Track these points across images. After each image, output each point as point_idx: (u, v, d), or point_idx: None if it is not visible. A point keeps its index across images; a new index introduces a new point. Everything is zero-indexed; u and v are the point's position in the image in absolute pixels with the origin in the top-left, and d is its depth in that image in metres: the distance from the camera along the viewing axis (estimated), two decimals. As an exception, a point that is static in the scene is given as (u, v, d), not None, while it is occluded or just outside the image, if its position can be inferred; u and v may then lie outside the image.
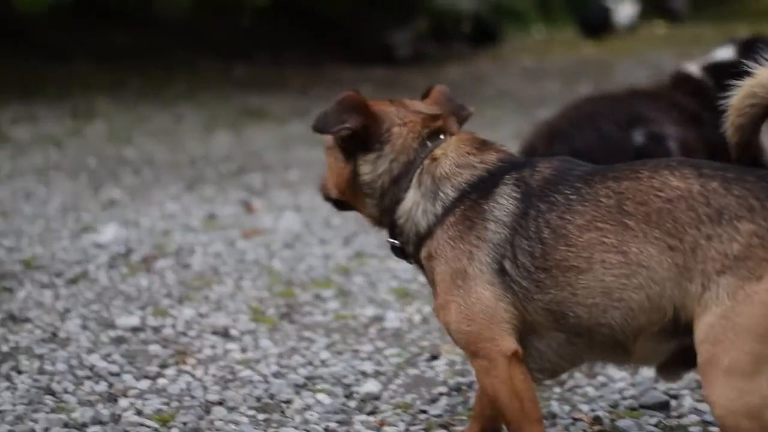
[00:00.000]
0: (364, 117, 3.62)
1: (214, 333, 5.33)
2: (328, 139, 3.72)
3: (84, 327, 5.40)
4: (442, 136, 3.67)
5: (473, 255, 3.40)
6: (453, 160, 3.58)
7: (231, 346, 5.16)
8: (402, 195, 3.61)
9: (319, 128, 3.64)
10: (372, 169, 3.65)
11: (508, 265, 3.35)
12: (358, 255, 6.78)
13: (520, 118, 12.64)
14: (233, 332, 5.35)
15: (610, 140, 6.27)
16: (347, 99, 3.63)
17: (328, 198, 3.90)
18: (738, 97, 3.23)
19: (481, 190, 3.48)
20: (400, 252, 3.71)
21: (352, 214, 7.46)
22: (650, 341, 3.28)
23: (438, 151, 3.61)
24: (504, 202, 3.41)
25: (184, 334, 5.33)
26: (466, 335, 3.43)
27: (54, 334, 5.29)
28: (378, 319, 5.53)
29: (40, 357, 4.97)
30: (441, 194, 3.54)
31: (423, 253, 3.57)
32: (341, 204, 3.88)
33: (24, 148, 10.71)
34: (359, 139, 3.63)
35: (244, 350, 5.10)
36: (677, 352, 3.30)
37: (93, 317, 5.56)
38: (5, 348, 5.07)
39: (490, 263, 3.37)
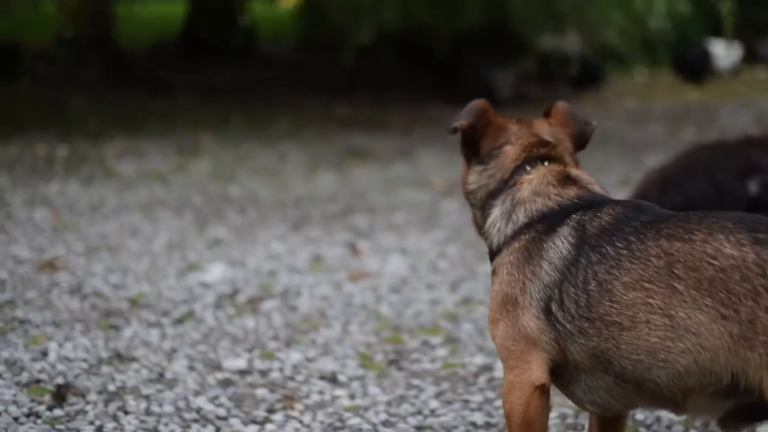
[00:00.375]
0: (479, 123, 3.80)
1: (322, 378, 5.28)
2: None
3: (191, 368, 5.38)
4: (546, 163, 3.74)
5: (525, 287, 3.47)
6: (533, 187, 3.65)
7: (339, 392, 5.10)
8: (491, 210, 3.71)
9: (452, 124, 3.82)
10: (477, 179, 3.81)
11: (554, 307, 3.40)
12: (465, 301, 6.69)
13: (626, 163, 12.50)
14: (341, 378, 5.29)
15: (724, 190, 6.15)
16: (474, 103, 3.84)
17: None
18: None
19: (547, 223, 3.54)
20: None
21: (458, 259, 7.41)
22: (705, 400, 3.26)
23: (526, 176, 3.69)
24: (560, 245, 3.46)
25: (292, 378, 5.28)
26: (508, 352, 3.51)
27: (161, 375, 5.27)
28: (487, 368, 5.43)
29: (147, 398, 4.95)
30: (514, 217, 3.63)
31: (492, 266, 3.67)
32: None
33: (130, 183, 10.79)
34: (474, 147, 3.82)
35: (352, 397, 5.04)
36: (738, 409, 3.25)
37: (200, 358, 5.54)
38: (112, 387, 5.06)
39: (539, 300, 3.43)
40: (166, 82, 18.59)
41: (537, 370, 3.44)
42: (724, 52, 21.55)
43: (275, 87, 19.22)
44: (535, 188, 3.64)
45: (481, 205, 3.81)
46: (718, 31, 16.43)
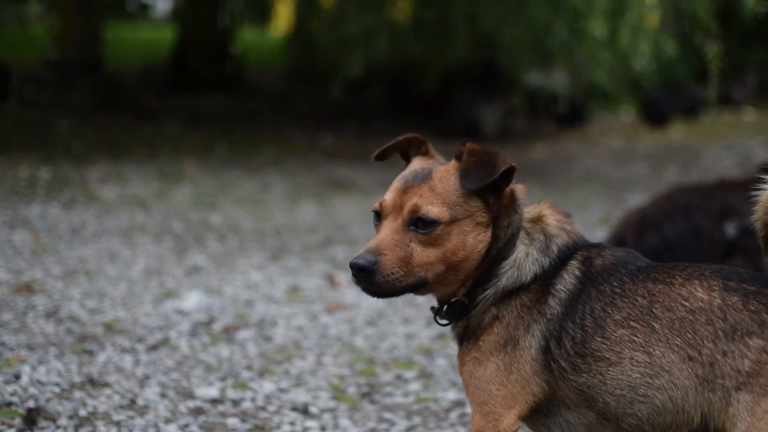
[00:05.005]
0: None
1: (294, 409, 5.27)
2: (459, 210, 3.50)
3: (163, 395, 5.37)
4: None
5: (530, 328, 3.47)
6: (557, 222, 3.65)
7: (310, 423, 5.10)
8: (510, 251, 3.56)
9: (479, 181, 3.46)
10: (507, 224, 3.58)
11: (552, 344, 3.44)
12: (441, 336, 6.69)
13: (608, 202, 12.53)
14: (313, 409, 5.28)
15: (702, 232, 6.19)
16: (479, 149, 3.53)
17: (406, 286, 3.50)
18: (766, 197, 3.35)
19: (562, 259, 3.55)
20: (455, 311, 3.59)
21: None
22: None
23: (539, 213, 3.65)
24: (567, 279, 3.51)
25: (264, 408, 5.27)
26: (488, 395, 3.47)
27: (132, 401, 5.26)
28: (460, 404, 5.43)
29: (118, 424, 4.94)
30: (549, 251, 3.58)
31: (491, 312, 3.52)
32: (422, 286, 3.55)
33: (111, 207, 10.78)
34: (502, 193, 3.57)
35: (323, 429, 5.03)
36: None
37: (172, 386, 5.53)
38: (83, 412, 5.05)
39: (540, 339, 3.45)
40: (152, 108, 18.61)
41: (510, 418, 3.45)
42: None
43: (261, 116, 19.27)
44: (555, 223, 3.66)
45: (496, 252, 3.57)
46: (703, 74, 16.49)
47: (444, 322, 3.65)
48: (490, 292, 3.54)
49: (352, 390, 5.62)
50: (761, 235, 3.38)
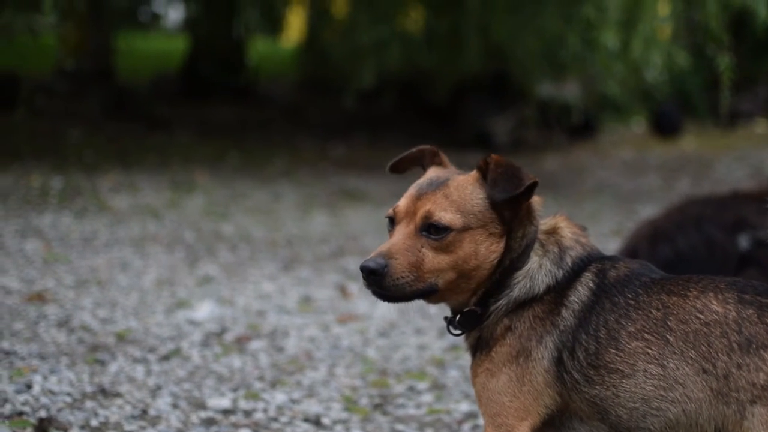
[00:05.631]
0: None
1: (306, 420, 5.26)
2: (474, 218, 3.50)
3: (174, 406, 5.36)
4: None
5: (543, 339, 3.46)
6: (572, 234, 3.64)
7: (322, 435, 5.08)
8: (524, 262, 3.55)
9: (506, 192, 3.46)
10: (521, 236, 3.57)
11: (565, 355, 3.43)
12: (453, 348, 6.67)
13: (620, 213, 12.51)
14: (325, 421, 5.27)
15: (715, 244, 6.16)
16: (504, 161, 3.51)
17: (415, 291, 3.52)
18: None
19: (576, 270, 3.54)
20: (468, 321, 3.58)
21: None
22: None
23: (554, 225, 3.65)
24: (581, 290, 3.50)
25: (276, 419, 5.26)
26: (501, 407, 3.47)
27: (144, 411, 5.25)
28: (472, 415, 5.41)
29: (130, 435, 4.93)
30: (563, 263, 3.56)
31: (504, 323, 3.52)
32: (432, 293, 3.56)
33: (123, 217, 10.79)
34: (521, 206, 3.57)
35: (335, 440, 5.02)
36: None
37: (184, 396, 5.52)
38: (95, 422, 5.04)
39: (552, 350, 3.44)
40: (164, 117, 18.62)
41: (523, 430, 3.44)
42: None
43: (273, 126, 19.27)
44: (571, 235, 3.66)
45: (510, 261, 3.55)
46: (715, 85, 16.46)
47: (457, 332, 3.66)
48: (502, 302, 3.53)
49: (364, 401, 5.61)
50: None
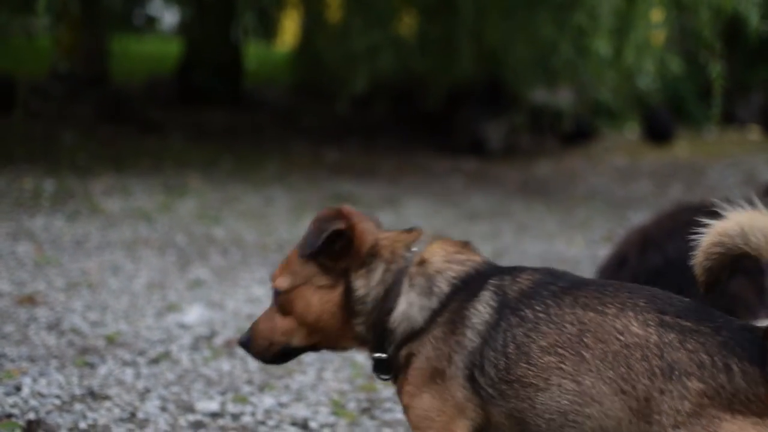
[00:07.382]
0: (347, 223, 3.65)
1: (294, 424, 5.28)
2: (298, 276, 3.68)
3: (163, 409, 5.38)
4: (416, 247, 3.70)
5: (452, 359, 3.48)
6: (442, 257, 3.64)
7: (309, 438, 5.11)
8: (394, 302, 3.61)
9: (310, 247, 3.60)
10: (366, 282, 3.66)
11: (476, 373, 3.44)
12: (442, 352, 6.69)
13: (611, 220, 12.54)
14: (312, 425, 5.29)
15: (705, 251, 6.16)
16: (324, 213, 3.68)
17: (273, 355, 3.82)
18: (705, 242, 3.30)
19: (468, 289, 3.54)
20: (384, 367, 3.69)
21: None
22: None
23: (425, 254, 3.66)
24: (482, 310, 3.49)
25: (263, 423, 5.28)
26: (431, 422, 3.51)
27: (133, 414, 5.27)
28: (460, 420, 5.43)
29: (118, 437, 4.94)
30: (435, 289, 3.58)
31: (403, 352, 3.59)
32: (293, 353, 3.82)
33: (114, 220, 10.80)
34: (347, 253, 3.65)
35: (322, 444, 5.04)
36: None
37: (173, 399, 5.54)
38: (83, 425, 5.06)
39: (463, 368, 3.46)
40: (157, 121, 18.63)
41: None
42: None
43: (266, 131, 19.30)
44: (445, 257, 3.65)
45: (373, 307, 3.66)
46: (708, 92, 16.51)
47: (384, 377, 3.74)
48: (392, 346, 3.62)
49: (352, 405, 5.63)
50: (701, 280, 3.31)
